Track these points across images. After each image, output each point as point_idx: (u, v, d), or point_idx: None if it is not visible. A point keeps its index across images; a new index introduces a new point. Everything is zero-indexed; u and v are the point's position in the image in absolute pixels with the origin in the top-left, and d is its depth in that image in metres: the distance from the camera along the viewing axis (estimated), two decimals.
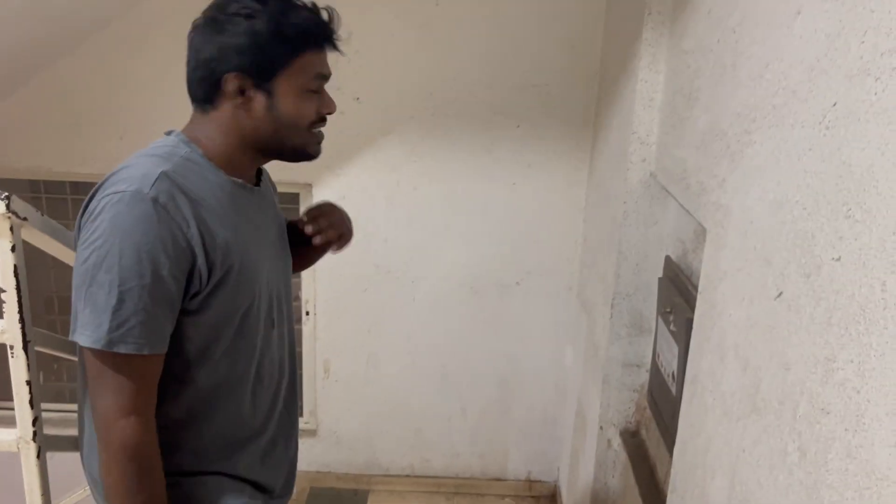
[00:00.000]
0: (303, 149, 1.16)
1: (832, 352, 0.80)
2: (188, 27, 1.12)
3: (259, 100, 1.09)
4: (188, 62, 1.11)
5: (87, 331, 1.00)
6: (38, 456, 1.21)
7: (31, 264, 1.27)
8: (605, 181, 2.14)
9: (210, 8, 1.09)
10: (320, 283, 2.67)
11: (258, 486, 1.26)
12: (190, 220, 1.03)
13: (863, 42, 0.77)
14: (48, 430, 1.33)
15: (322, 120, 1.17)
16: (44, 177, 2.62)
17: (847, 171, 0.79)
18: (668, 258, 1.75)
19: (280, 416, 1.31)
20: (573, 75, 2.40)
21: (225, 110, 1.11)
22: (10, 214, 1.18)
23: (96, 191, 1.04)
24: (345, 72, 2.41)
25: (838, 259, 0.80)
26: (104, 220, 0.99)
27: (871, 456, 0.72)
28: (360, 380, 2.80)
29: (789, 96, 0.96)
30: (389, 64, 2.42)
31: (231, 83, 1.08)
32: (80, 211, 1.05)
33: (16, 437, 1.21)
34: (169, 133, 1.14)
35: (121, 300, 0.99)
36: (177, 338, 1.07)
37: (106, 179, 1.04)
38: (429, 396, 2.83)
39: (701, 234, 1.52)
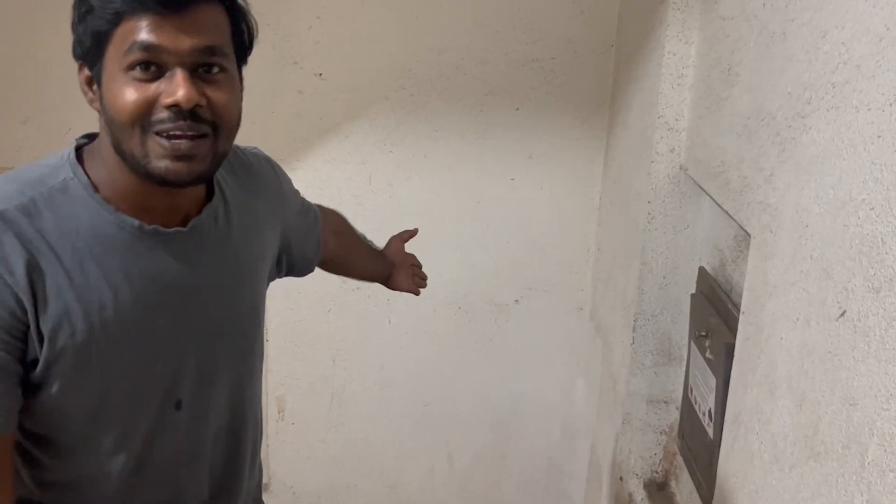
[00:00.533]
0: (139, 159, 0.97)
1: None
2: None
3: (98, 92, 1.00)
4: None
5: None
6: None
7: None
8: (624, 176, 2.15)
9: None
10: (273, 302, 2.64)
11: None
12: (20, 277, 0.95)
13: None
14: None
15: (171, 117, 0.95)
16: None
17: None
18: (702, 270, 1.76)
19: None
20: (584, 48, 2.40)
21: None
22: None
23: None
24: (303, 42, 2.41)
25: None
26: None
27: None
28: (321, 422, 2.79)
29: (853, 72, 0.97)
30: (359, 33, 2.42)
31: (79, 75, 1.02)
32: None
33: None
34: (79, 140, 1.08)
35: None
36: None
37: None
38: (407, 441, 2.81)
39: (743, 240, 1.53)
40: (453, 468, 2.84)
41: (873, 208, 0.90)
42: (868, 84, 0.93)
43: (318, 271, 1.61)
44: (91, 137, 1.08)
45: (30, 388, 1.00)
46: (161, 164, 0.96)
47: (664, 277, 1.85)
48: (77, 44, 0.99)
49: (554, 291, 2.65)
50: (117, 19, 0.93)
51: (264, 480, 2.76)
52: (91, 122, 1.09)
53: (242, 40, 1.05)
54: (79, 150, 1.06)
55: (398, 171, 2.53)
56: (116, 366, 1.04)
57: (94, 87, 1.00)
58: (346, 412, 2.78)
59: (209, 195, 1.14)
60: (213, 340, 1.16)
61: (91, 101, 1.01)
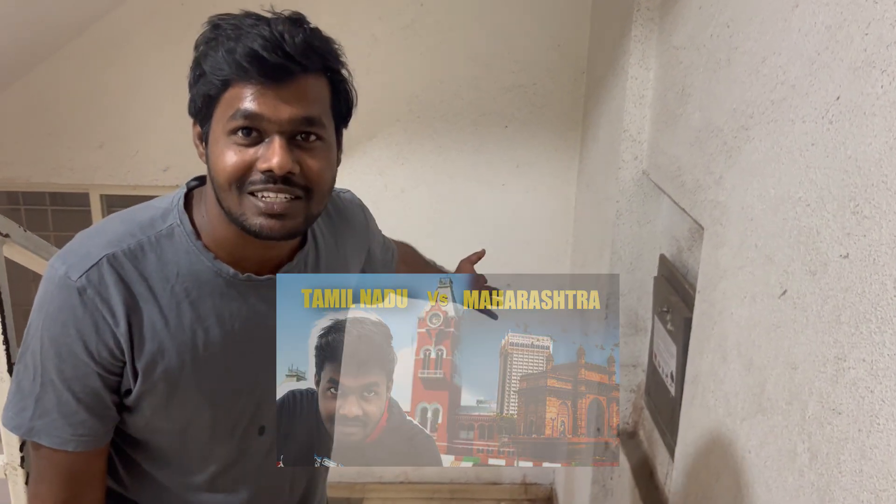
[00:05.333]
0: (236, 216, 0.88)
1: (842, 350, 0.79)
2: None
3: (205, 148, 0.91)
4: None
5: (10, 412, 0.92)
6: (27, 482, 1.17)
7: (11, 277, 1.23)
8: (595, 180, 2.13)
9: None
10: None
11: None
12: (120, 319, 0.88)
13: (866, 34, 0.76)
14: None
15: (263, 180, 0.85)
16: (22, 188, 2.57)
17: (853, 165, 0.78)
18: (662, 257, 1.74)
19: None
20: (560, 74, 2.38)
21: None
22: None
23: None
24: None
25: (846, 256, 0.79)
26: (38, 295, 0.90)
27: (887, 457, 0.70)
28: None
29: (789, 91, 0.94)
30: (373, 66, 2.40)
31: (192, 130, 0.93)
32: None
33: (3, 463, 1.17)
34: (190, 182, 0.98)
35: (44, 389, 0.90)
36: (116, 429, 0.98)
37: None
38: None
39: (696, 231, 1.51)
40: None
41: (809, 204, 0.88)
42: (802, 101, 0.91)
43: None
44: (201, 180, 0.98)
45: (125, 409, 0.95)
46: (256, 220, 0.87)
47: (631, 263, 1.83)
48: (191, 103, 0.90)
49: None
50: (225, 85, 0.85)
51: None
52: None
53: (341, 109, 0.95)
54: (189, 192, 0.97)
55: (409, 180, 2.52)
56: (204, 396, 0.97)
57: (203, 143, 0.91)
58: None
59: (302, 241, 1.04)
60: None
61: (200, 156, 0.92)
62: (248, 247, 0.93)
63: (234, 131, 0.85)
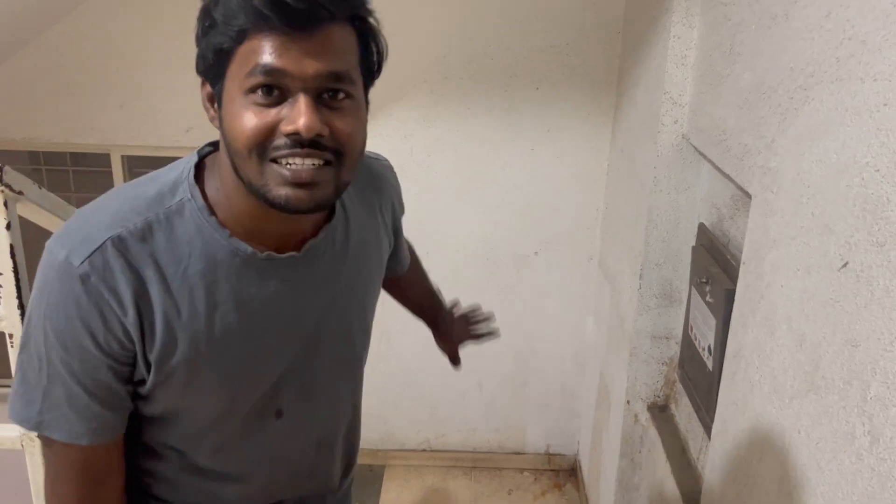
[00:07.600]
0: (257, 187, 0.78)
1: None
2: None
3: (218, 111, 0.81)
4: None
5: (18, 405, 0.85)
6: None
7: (35, 239, 1.20)
8: (631, 145, 2.06)
9: None
10: None
11: None
12: (128, 308, 0.81)
13: None
14: None
15: (289, 144, 0.75)
16: (42, 148, 2.55)
17: None
18: (701, 225, 1.68)
19: None
20: (595, 34, 2.30)
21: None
22: (3, 188, 1.08)
23: None
24: None
25: None
26: (37, 280, 0.83)
27: None
28: (372, 356, 2.75)
29: (858, 47, 0.88)
30: (400, 25, 2.33)
31: (201, 90, 0.84)
32: None
33: (19, 434, 1.15)
34: (202, 149, 0.90)
35: (51, 382, 0.84)
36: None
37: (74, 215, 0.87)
38: (443, 371, 2.77)
39: (739, 199, 1.44)
40: (482, 393, 2.81)
41: (878, 170, 0.82)
42: (874, 57, 0.84)
43: None
44: (215, 145, 0.89)
45: (139, 398, 0.90)
46: (281, 191, 0.77)
47: (667, 232, 1.77)
48: (200, 59, 0.80)
49: (567, 244, 2.58)
50: (241, 37, 0.74)
51: None
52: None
53: (371, 63, 0.84)
54: (201, 160, 0.88)
55: (435, 144, 2.46)
56: (223, 383, 0.91)
57: (215, 104, 0.81)
58: (393, 348, 2.74)
59: (329, 213, 0.94)
60: (316, 355, 0.98)
61: (212, 119, 0.83)
62: (269, 221, 0.84)
63: (252, 90, 0.75)
